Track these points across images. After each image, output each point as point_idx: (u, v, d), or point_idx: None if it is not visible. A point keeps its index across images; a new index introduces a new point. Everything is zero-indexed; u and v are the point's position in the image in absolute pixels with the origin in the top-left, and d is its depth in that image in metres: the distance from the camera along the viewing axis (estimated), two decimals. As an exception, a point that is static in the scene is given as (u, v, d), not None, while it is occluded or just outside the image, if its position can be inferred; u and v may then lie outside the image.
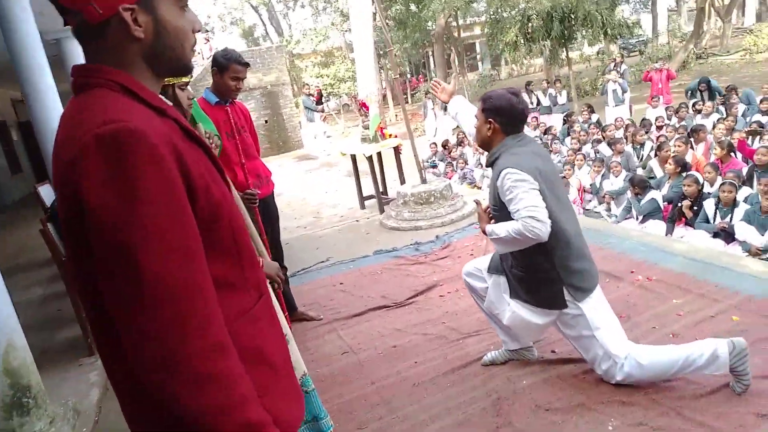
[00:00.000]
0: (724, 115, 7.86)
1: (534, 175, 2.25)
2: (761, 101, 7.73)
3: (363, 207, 6.89)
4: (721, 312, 2.98)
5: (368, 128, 6.72)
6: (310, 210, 7.55)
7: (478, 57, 31.53)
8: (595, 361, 2.44)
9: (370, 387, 2.82)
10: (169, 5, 0.96)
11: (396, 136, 7.03)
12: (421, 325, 3.43)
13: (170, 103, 1.14)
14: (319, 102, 13.40)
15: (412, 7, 16.97)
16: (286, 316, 2.37)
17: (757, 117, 7.24)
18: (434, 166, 10.02)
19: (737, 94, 9.02)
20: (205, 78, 12.56)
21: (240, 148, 3.17)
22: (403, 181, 6.79)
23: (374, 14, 12.21)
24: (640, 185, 5.71)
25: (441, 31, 16.59)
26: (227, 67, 3.07)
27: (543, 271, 2.37)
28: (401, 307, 3.76)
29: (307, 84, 14.90)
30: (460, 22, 22.18)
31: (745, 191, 5.13)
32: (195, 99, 2.73)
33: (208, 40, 17.62)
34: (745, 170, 5.62)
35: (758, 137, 6.24)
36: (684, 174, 5.63)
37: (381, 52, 16.13)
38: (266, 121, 13.90)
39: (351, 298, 4.06)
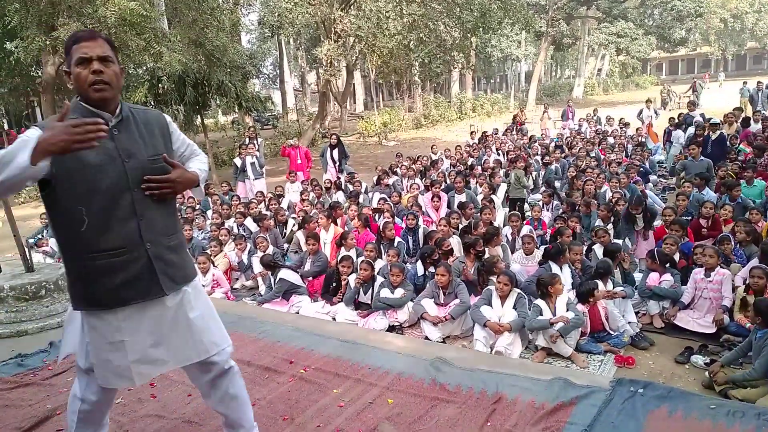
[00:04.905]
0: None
1: None
2: (377, 183, 9.11)
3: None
4: (378, 396, 3.01)
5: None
6: None
7: (102, 112, 28.73)
8: None
9: None
10: None
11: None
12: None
13: None
14: None
15: (8, 45, 13.75)
16: None
17: (377, 195, 8.39)
18: (38, 244, 7.88)
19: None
20: None
21: None
22: (-3, 270, 5.16)
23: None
24: (267, 266, 5.59)
25: (51, 80, 13.95)
26: None
27: None
28: (-9, 464, 2.61)
29: None
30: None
31: (380, 263, 5.65)
32: None
33: None
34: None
35: (381, 214, 7.17)
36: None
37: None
38: None
39: None
